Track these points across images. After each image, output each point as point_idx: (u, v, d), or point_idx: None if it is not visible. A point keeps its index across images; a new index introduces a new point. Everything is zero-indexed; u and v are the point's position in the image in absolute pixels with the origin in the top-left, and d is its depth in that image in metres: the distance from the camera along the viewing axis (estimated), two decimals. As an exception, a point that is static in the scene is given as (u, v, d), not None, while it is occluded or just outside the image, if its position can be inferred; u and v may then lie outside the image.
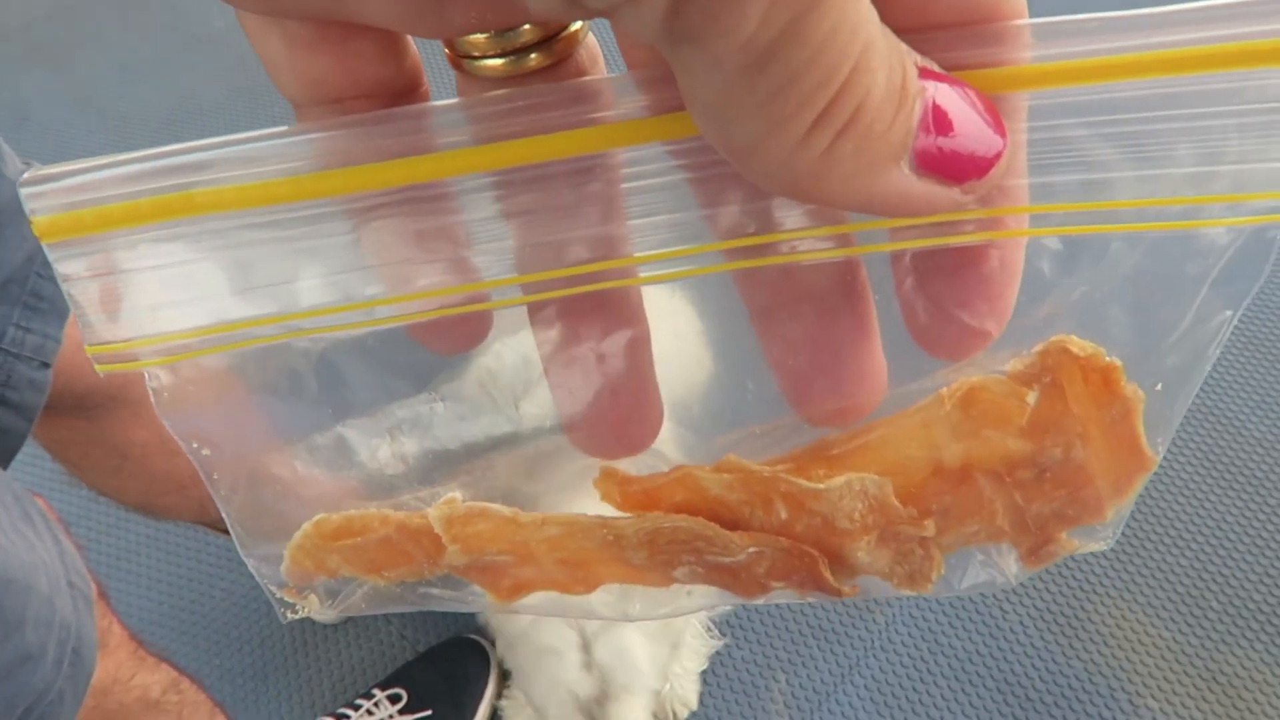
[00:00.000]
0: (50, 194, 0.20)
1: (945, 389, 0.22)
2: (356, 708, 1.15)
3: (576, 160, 0.19)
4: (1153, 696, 1.19)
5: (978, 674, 1.23)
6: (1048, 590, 1.28)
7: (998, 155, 0.17)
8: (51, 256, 0.20)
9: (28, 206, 0.20)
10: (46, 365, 0.73)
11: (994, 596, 1.28)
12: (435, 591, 0.24)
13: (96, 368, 0.21)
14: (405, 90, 0.20)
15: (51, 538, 0.61)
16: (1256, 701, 1.17)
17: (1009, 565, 0.24)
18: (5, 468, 0.69)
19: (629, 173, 0.19)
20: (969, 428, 0.22)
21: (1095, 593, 1.28)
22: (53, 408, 0.75)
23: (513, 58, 0.19)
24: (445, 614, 1.27)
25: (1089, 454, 0.22)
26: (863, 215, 0.19)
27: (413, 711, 1.15)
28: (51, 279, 0.72)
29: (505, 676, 1.20)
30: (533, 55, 0.19)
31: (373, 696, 1.16)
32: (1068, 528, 0.23)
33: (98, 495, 1.03)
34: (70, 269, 0.20)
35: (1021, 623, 1.26)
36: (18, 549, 0.55)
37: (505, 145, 0.19)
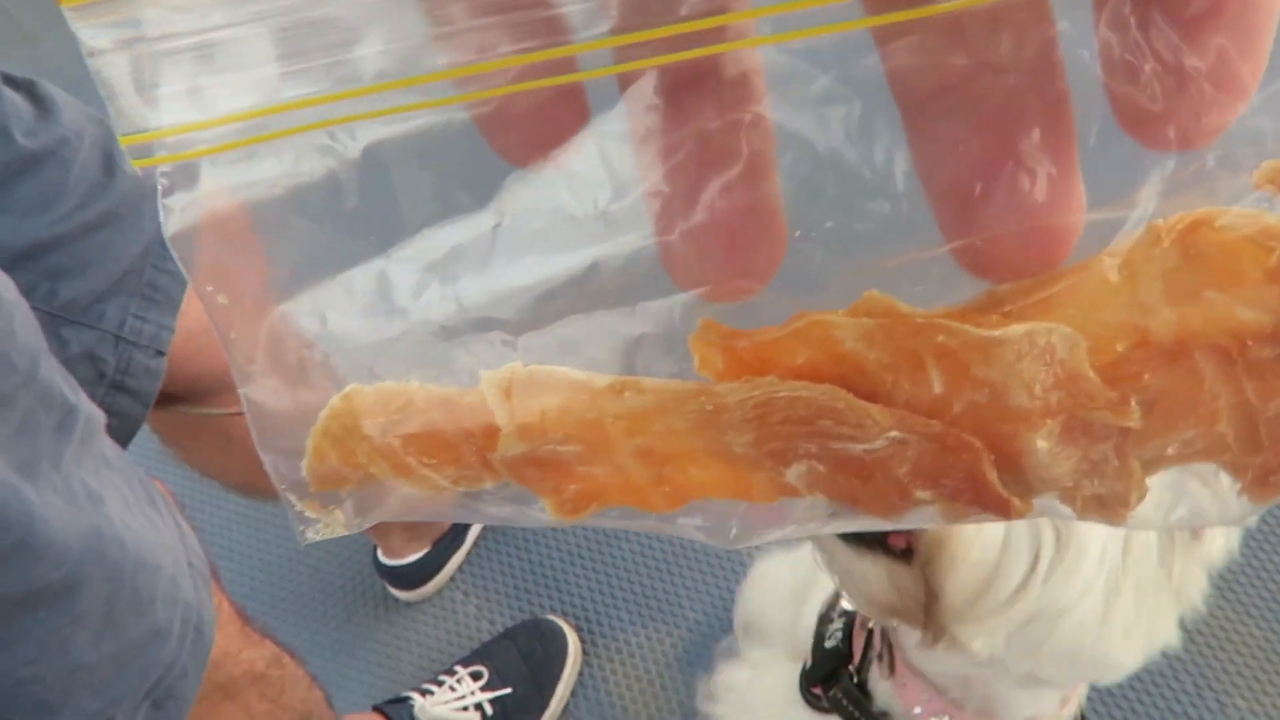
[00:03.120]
0: None
1: (1161, 221, 0.15)
2: (440, 684, 1.12)
3: None
4: (1241, 696, 1.09)
5: (1058, 668, 1.14)
6: (1131, 584, 1.18)
7: None
8: (74, 24, 0.15)
9: None
10: (161, 353, 0.72)
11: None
12: (486, 505, 0.18)
13: (133, 163, 0.16)
14: None
15: (172, 520, 0.60)
16: (1354, 703, 1.06)
17: (1229, 496, 0.17)
18: (125, 449, 0.67)
19: None
20: (1189, 283, 0.15)
21: (1182, 587, 1.17)
22: (164, 393, 0.74)
23: None
24: (527, 595, 1.22)
25: None
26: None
27: (493, 689, 1.12)
28: (166, 270, 0.71)
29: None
30: None
31: (455, 673, 1.13)
32: None
33: (201, 476, 1.03)
34: (97, 40, 0.15)
35: (1103, 617, 1.16)
36: (145, 532, 0.54)
37: None
